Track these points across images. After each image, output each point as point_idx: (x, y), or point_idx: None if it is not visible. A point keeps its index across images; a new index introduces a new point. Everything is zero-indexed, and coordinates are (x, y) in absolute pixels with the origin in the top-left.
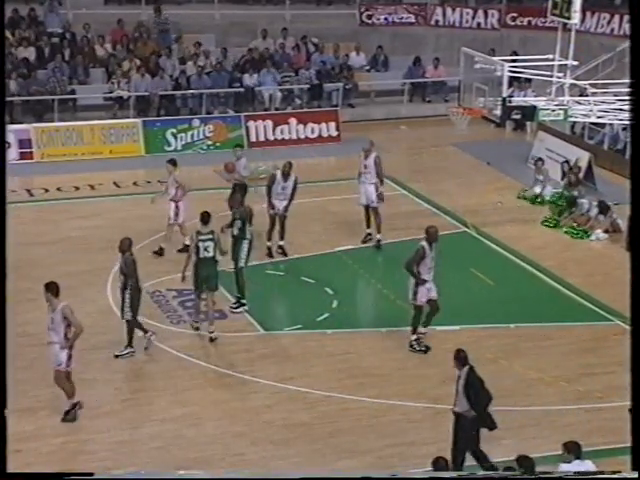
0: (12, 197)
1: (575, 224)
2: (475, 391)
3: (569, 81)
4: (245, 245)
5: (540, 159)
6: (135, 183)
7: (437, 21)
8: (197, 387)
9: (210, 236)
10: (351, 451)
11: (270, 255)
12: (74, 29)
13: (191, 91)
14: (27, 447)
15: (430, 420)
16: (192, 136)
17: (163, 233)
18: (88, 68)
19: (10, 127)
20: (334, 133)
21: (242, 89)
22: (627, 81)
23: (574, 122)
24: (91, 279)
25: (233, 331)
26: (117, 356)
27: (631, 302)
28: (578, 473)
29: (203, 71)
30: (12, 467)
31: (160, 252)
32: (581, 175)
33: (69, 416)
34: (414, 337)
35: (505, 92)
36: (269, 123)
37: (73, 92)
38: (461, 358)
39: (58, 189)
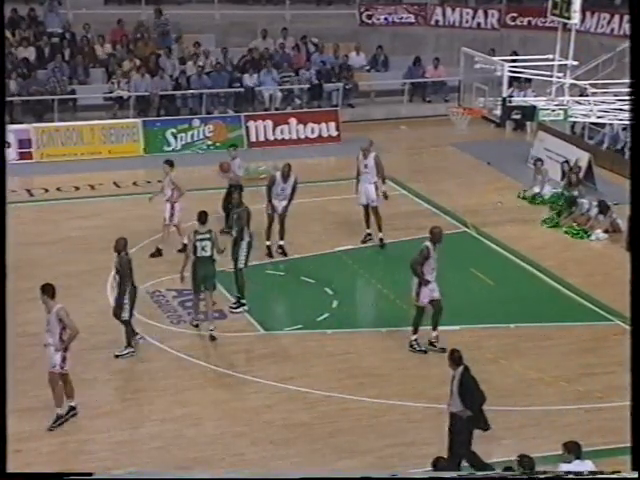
0: (12, 197)
1: (575, 224)
2: (469, 391)
3: (569, 81)
4: (244, 246)
5: (539, 159)
6: (135, 183)
7: (437, 21)
8: (197, 387)
9: (208, 235)
10: (351, 451)
11: (270, 255)
12: (74, 29)
13: (191, 91)
14: (27, 447)
15: (430, 420)
16: (192, 136)
17: (160, 234)
18: (88, 68)
19: (10, 127)
20: (334, 133)
21: (242, 89)
22: (627, 81)
23: (574, 122)
24: (91, 279)
25: (233, 331)
26: (117, 356)
27: (631, 302)
28: (578, 473)
29: (203, 71)
30: (12, 467)
31: (158, 253)
32: (581, 175)
33: (55, 424)
34: (414, 337)
35: (505, 92)
36: (269, 123)
37: (73, 92)
38: (455, 358)
39: (58, 189)
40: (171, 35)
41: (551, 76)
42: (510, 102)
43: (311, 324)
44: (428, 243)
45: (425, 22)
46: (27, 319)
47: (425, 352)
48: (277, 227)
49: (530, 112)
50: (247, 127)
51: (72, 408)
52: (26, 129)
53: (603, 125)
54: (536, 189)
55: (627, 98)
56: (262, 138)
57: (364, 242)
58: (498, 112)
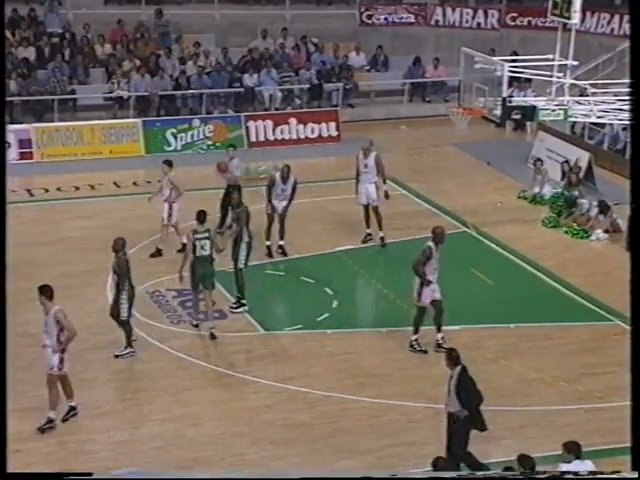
0: (12, 197)
1: (575, 224)
2: (466, 391)
3: (569, 81)
4: (244, 246)
5: (539, 159)
6: (135, 183)
7: (437, 21)
8: (197, 387)
9: (206, 234)
10: (351, 451)
11: (270, 255)
12: (74, 29)
13: (191, 91)
14: (27, 447)
15: (430, 420)
16: (192, 136)
17: (159, 235)
18: (88, 68)
19: (10, 127)
20: (334, 133)
21: (242, 89)
22: (627, 81)
23: (574, 122)
24: (91, 279)
25: (233, 331)
26: (117, 356)
27: (631, 302)
28: (578, 473)
29: (203, 71)
30: (12, 467)
31: (158, 253)
32: (581, 175)
33: (46, 426)
34: (414, 337)
35: (505, 92)
36: (269, 123)
37: (73, 92)
38: (453, 358)
39: (58, 189)
40: (171, 35)
41: (551, 76)
42: (510, 102)
43: (311, 324)
44: (430, 243)
45: (425, 22)
46: (27, 319)
47: (425, 352)
48: (277, 227)
49: (530, 112)
50: (247, 127)
51: (72, 408)
52: (26, 129)
53: (603, 125)
54: (536, 189)
55: (627, 98)
56: (262, 138)
57: (364, 242)
58: (498, 112)
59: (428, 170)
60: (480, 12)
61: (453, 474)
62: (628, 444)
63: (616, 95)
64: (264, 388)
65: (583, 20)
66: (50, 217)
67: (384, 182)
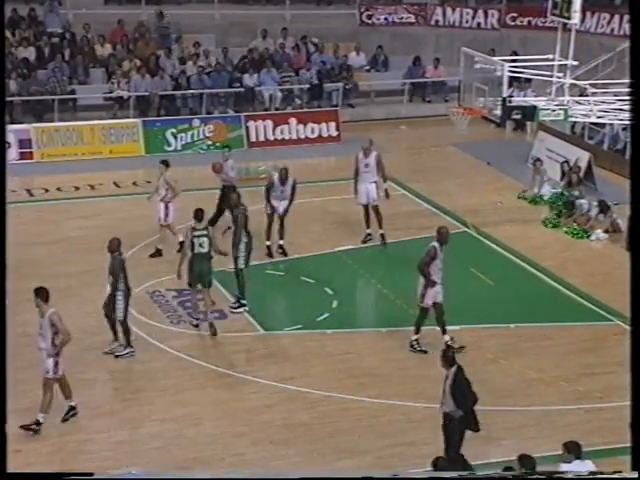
0: (12, 197)
1: (575, 224)
2: (461, 391)
3: (569, 81)
4: (242, 247)
5: (539, 159)
6: (135, 183)
7: (437, 21)
8: (197, 387)
9: (205, 232)
10: (351, 451)
11: (270, 255)
12: (74, 29)
13: (191, 91)
14: (27, 447)
15: (430, 420)
16: (192, 136)
17: (158, 235)
18: (88, 68)
19: (10, 127)
20: (334, 133)
21: (242, 89)
22: (627, 81)
23: (574, 122)
24: (91, 279)
25: (233, 331)
26: (117, 356)
27: (631, 302)
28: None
29: (203, 71)
30: (12, 467)
31: (158, 253)
32: (581, 175)
33: (30, 426)
34: (415, 337)
35: (505, 92)
36: (269, 123)
37: (73, 92)
38: (448, 358)
39: (58, 189)
40: (171, 35)
41: (551, 76)
42: (510, 102)
43: (311, 324)
44: (435, 243)
45: (425, 22)
46: (27, 319)
47: (425, 352)
48: (277, 227)
49: (530, 112)
50: (247, 127)
51: (72, 408)
52: (26, 129)
53: (603, 125)
54: (535, 189)
55: (627, 98)
56: (262, 138)
57: (364, 242)
58: (498, 112)
59: (428, 170)
60: (480, 12)
61: (453, 474)
62: (628, 444)
63: (616, 95)
64: (264, 388)
65: (583, 20)
66: (50, 217)
67: (384, 181)
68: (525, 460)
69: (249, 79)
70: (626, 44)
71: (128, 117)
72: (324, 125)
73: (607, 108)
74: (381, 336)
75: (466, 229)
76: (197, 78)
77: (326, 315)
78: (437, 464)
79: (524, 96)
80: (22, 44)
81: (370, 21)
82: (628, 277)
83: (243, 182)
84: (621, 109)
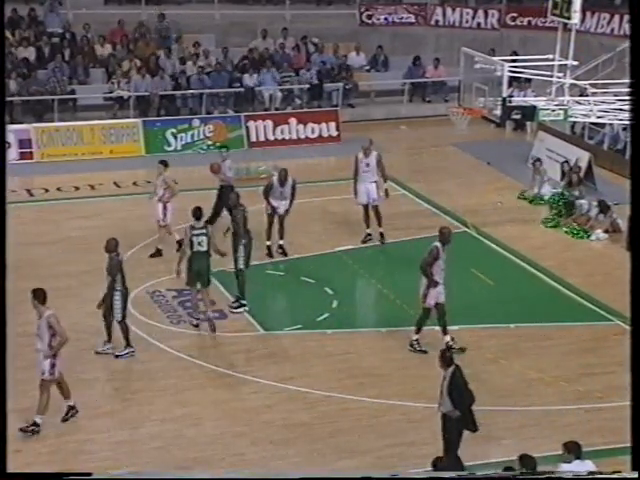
0: (12, 197)
1: (575, 224)
2: (458, 392)
3: (569, 81)
4: (242, 247)
5: (538, 159)
6: (135, 183)
7: (437, 21)
8: (197, 387)
9: (204, 230)
10: (351, 451)
11: (270, 255)
12: (74, 29)
13: (191, 91)
14: (27, 447)
15: (430, 420)
16: (192, 136)
17: (157, 235)
18: (88, 68)
19: (10, 127)
20: (334, 133)
21: (242, 89)
22: (627, 81)
23: (574, 122)
24: (91, 279)
25: (233, 331)
26: (117, 356)
27: (631, 302)
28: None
29: (203, 71)
30: (12, 467)
31: (158, 253)
32: (581, 175)
33: (28, 428)
34: (415, 337)
35: (505, 92)
36: (269, 123)
37: (73, 92)
38: (446, 358)
39: (58, 189)
40: (171, 35)
41: (551, 76)
42: (510, 102)
43: (311, 324)
44: (437, 243)
45: (425, 22)
46: (27, 319)
47: (425, 352)
48: (277, 227)
49: (530, 112)
50: (247, 127)
51: (71, 408)
52: (26, 129)
53: (603, 125)
54: (536, 189)
55: (627, 98)
56: (262, 138)
57: (364, 242)
58: (498, 112)
59: (428, 170)
60: (480, 12)
61: (453, 474)
62: (628, 444)
63: (616, 95)
64: (264, 388)
65: (583, 20)
66: (50, 217)
67: (385, 181)
68: (526, 460)
69: (249, 79)
70: (626, 44)
71: (128, 117)
72: (324, 125)
73: (607, 108)
74: (381, 336)
75: (466, 229)
76: (197, 78)
77: (326, 315)
78: (437, 464)
79: (524, 96)
80: (22, 44)
81: (370, 21)
82: (628, 277)
83: (243, 182)
84: (621, 109)
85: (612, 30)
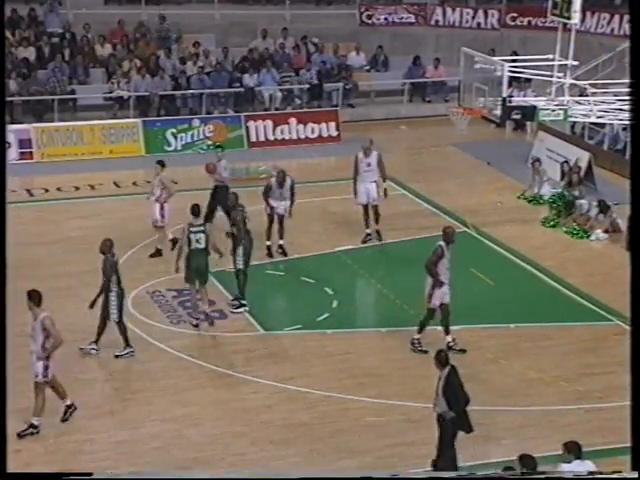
0: (12, 197)
1: (575, 224)
2: (453, 392)
3: (569, 81)
4: (241, 247)
5: (537, 159)
6: (135, 183)
7: (437, 21)
8: (197, 387)
9: (202, 228)
10: (351, 451)
11: (270, 255)
12: (74, 29)
13: (191, 91)
14: (27, 447)
15: (430, 420)
16: (192, 136)
17: (156, 236)
18: (88, 68)
19: (10, 127)
20: (334, 133)
21: (242, 89)
22: (627, 81)
23: (574, 122)
24: (91, 279)
25: (233, 331)
26: (117, 356)
27: (631, 302)
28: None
29: (203, 71)
30: (12, 467)
31: (158, 253)
32: (581, 175)
33: (26, 431)
34: (417, 336)
35: (505, 92)
36: (269, 123)
37: (73, 92)
38: (442, 359)
39: (58, 189)
40: (171, 35)
41: (551, 76)
42: (510, 102)
43: (311, 324)
44: (441, 242)
45: (425, 22)
46: (27, 319)
47: (426, 352)
48: (277, 227)
49: (530, 112)
50: (247, 127)
51: (69, 407)
52: (26, 129)
53: (603, 125)
54: (535, 189)
55: (627, 98)
56: (262, 138)
57: (364, 242)
58: (498, 112)
59: (428, 170)
60: (480, 12)
61: (453, 474)
62: (628, 444)
63: (616, 95)
64: (264, 388)
65: (583, 20)
66: (50, 217)
67: (384, 181)
68: (526, 460)
69: (249, 79)
70: (626, 44)
71: (128, 117)
72: (324, 125)
73: (607, 108)
74: (381, 336)
75: (466, 229)
76: (197, 78)
77: (326, 315)
78: (437, 464)
79: (524, 96)
80: (22, 44)
81: (370, 21)
82: (628, 277)
83: (243, 182)
84: (621, 109)
85: (612, 30)
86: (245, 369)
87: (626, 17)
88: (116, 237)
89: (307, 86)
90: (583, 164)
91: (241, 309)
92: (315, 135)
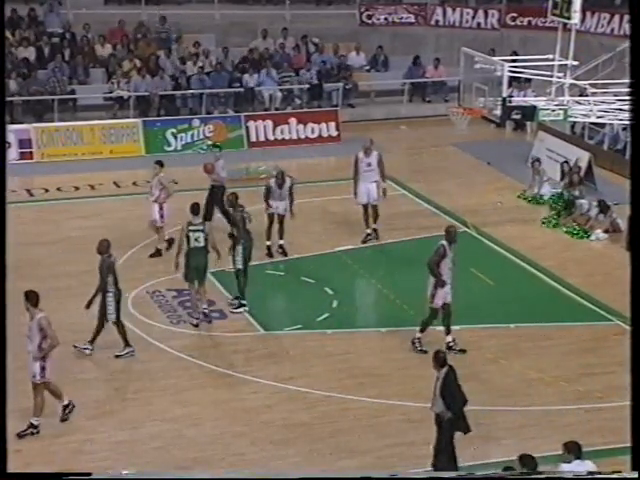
0: (12, 197)
1: (575, 224)
2: (450, 393)
3: (569, 81)
4: (240, 248)
5: (537, 159)
6: (135, 183)
7: (437, 21)
8: (197, 387)
9: (201, 227)
10: (351, 451)
11: (270, 255)
12: (74, 29)
13: (191, 91)
14: (27, 447)
15: (430, 420)
16: (192, 136)
17: (155, 237)
18: (88, 68)
19: (10, 127)
20: (334, 133)
21: (242, 89)
22: (627, 81)
23: (574, 122)
24: (91, 279)
25: (233, 331)
26: (117, 356)
27: (631, 302)
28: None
29: (203, 71)
30: (12, 467)
31: (158, 253)
32: (581, 175)
33: (26, 431)
34: (419, 335)
35: (505, 92)
36: (269, 123)
37: (73, 92)
38: (439, 359)
39: (58, 189)
40: (171, 35)
41: (551, 76)
42: (510, 102)
43: (311, 324)
44: (444, 242)
45: (425, 22)
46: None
47: (425, 352)
48: (277, 227)
49: (530, 112)
50: (247, 127)
51: (66, 406)
52: (26, 129)
53: (603, 125)
54: (535, 189)
55: (627, 98)
56: (262, 138)
57: (364, 242)
58: (498, 112)
59: (428, 170)
60: (480, 12)
61: (453, 474)
62: (628, 444)
63: (616, 95)
64: (264, 388)
65: (583, 20)
66: (50, 217)
67: (383, 180)
68: (526, 460)
69: (249, 79)
70: (626, 44)
71: (128, 117)
72: (324, 125)
73: (607, 108)
74: (381, 336)
75: (466, 229)
76: (197, 78)
77: (326, 315)
78: (436, 465)
79: (524, 96)
80: (22, 44)
81: (370, 21)
82: (628, 277)
83: (243, 182)
84: (621, 109)
85: (612, 30)
86: (245, 369)
87: (626, 17)
88: (116, 237)
89: (307, 86)
90: (583, 164)
91: (241, 309)
92: (315, 135)
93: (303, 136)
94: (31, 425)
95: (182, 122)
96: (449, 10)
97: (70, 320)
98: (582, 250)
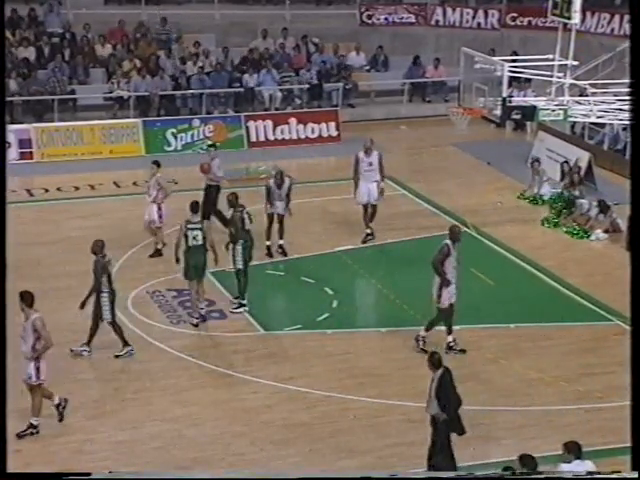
0: (12, 197)
1: (575, 224)
2: (445, 394)
3: (569, 81)
4: (239, 247)
5: (537, 160)
6: (135, 183)
7: (437, 21)
8: (197, 387)
9: (199, 225)
10: (351, 451)
11: (270, 255)
12: (74, 29)
13: (191, 91)
14: (27, 447)
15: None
16: (192, 136)
17: (151, 238)
18: (88, 68)
19: (10, 127)
20: (334, 133)
21: (242, 89)
22: (627, 81)
23: (574, 122)
24: (91, 279)
25: (233, 331)
26: (117, 356)
27: (631, 302)
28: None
29: (203, 71)
30: (12, 467)
31: (158, 253)
32: (581, 175)
33: (26, 432)
34: (424, 334)
35: (505, 92)
36: (269, 123)
37: (73, 92)
38: (435, 361)
39: (58, 189)
40: (171, 35)
41: (551, 76)
42: (510, 102)
43: (311, 324)
44: (448, 241)
45: (425, 22)
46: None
47: (426, 352)
48: (277, 226)
49: (530, 112)
50: (247, 127)
51: (58, 405)
52: (26, 129)
53: (603, 125)
54: (535, 189)
55: (627, 98)
56: (262, 138)
57: (364, 242)
58: (498, 112)
59: (428, 170)
60: (480, 12)
61: (453, 474)
62: (628, 444)
63: (616, 95)
64: (264, 388)
65: (583, 20)
66: (50, 217)
67: (383, 180)
68: (526, 460)
69: (249, 79)
70: (626, 44)
71: (128, 117)
72: (324, 125)
73: (607, 108)
74: (381, 336)
75: (466, 229)
76: (197, 78)
77: (326, 315)
78: (433, 466)
79: (524, 96)
80: (22, 44)
81: (370, 21)
82: (628, 277)
83: (243, 182)
84: (621, 109)
85: (612, 30)
86: (245, 369)
87: (626, 17)
88: (116, 237)
89: (307, 86)
90: (583, 164)
91: (241, 309)
92: (315, 135)
93: (303, 136)
94: (31, 425)
95: (182, 122)
96: (449, 10)
97: (70, 320)
98: (582, 250)
